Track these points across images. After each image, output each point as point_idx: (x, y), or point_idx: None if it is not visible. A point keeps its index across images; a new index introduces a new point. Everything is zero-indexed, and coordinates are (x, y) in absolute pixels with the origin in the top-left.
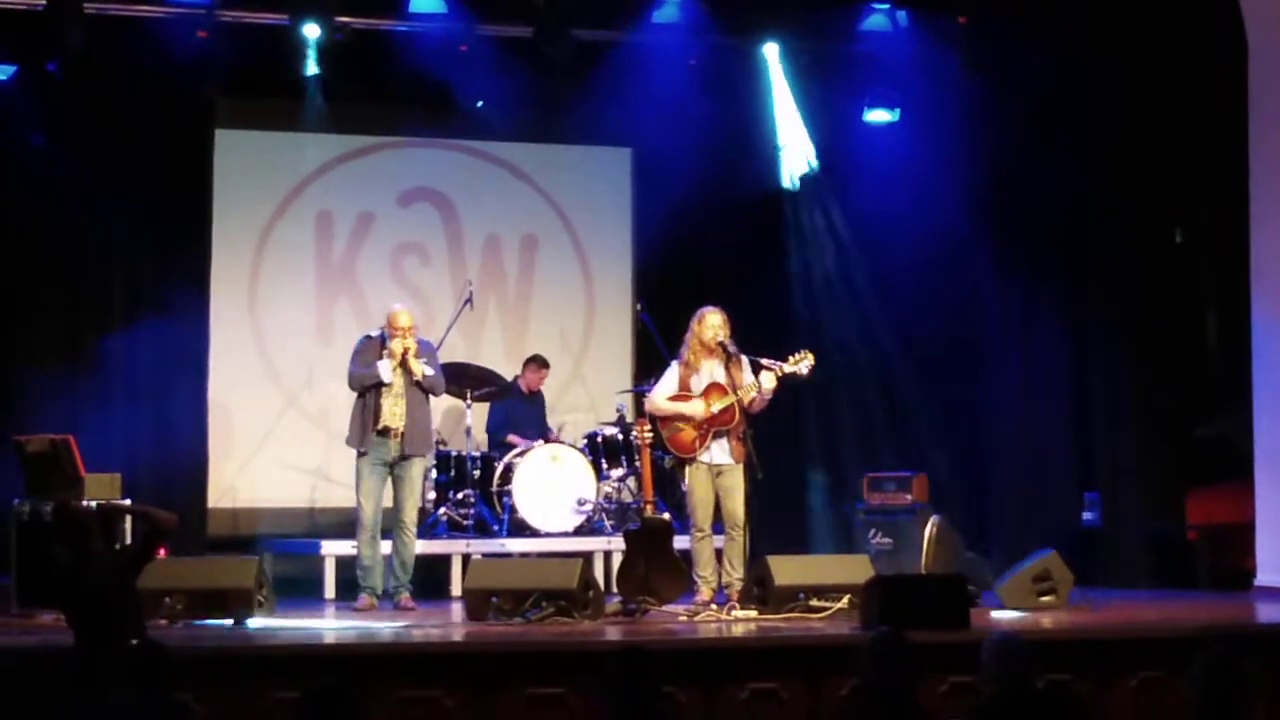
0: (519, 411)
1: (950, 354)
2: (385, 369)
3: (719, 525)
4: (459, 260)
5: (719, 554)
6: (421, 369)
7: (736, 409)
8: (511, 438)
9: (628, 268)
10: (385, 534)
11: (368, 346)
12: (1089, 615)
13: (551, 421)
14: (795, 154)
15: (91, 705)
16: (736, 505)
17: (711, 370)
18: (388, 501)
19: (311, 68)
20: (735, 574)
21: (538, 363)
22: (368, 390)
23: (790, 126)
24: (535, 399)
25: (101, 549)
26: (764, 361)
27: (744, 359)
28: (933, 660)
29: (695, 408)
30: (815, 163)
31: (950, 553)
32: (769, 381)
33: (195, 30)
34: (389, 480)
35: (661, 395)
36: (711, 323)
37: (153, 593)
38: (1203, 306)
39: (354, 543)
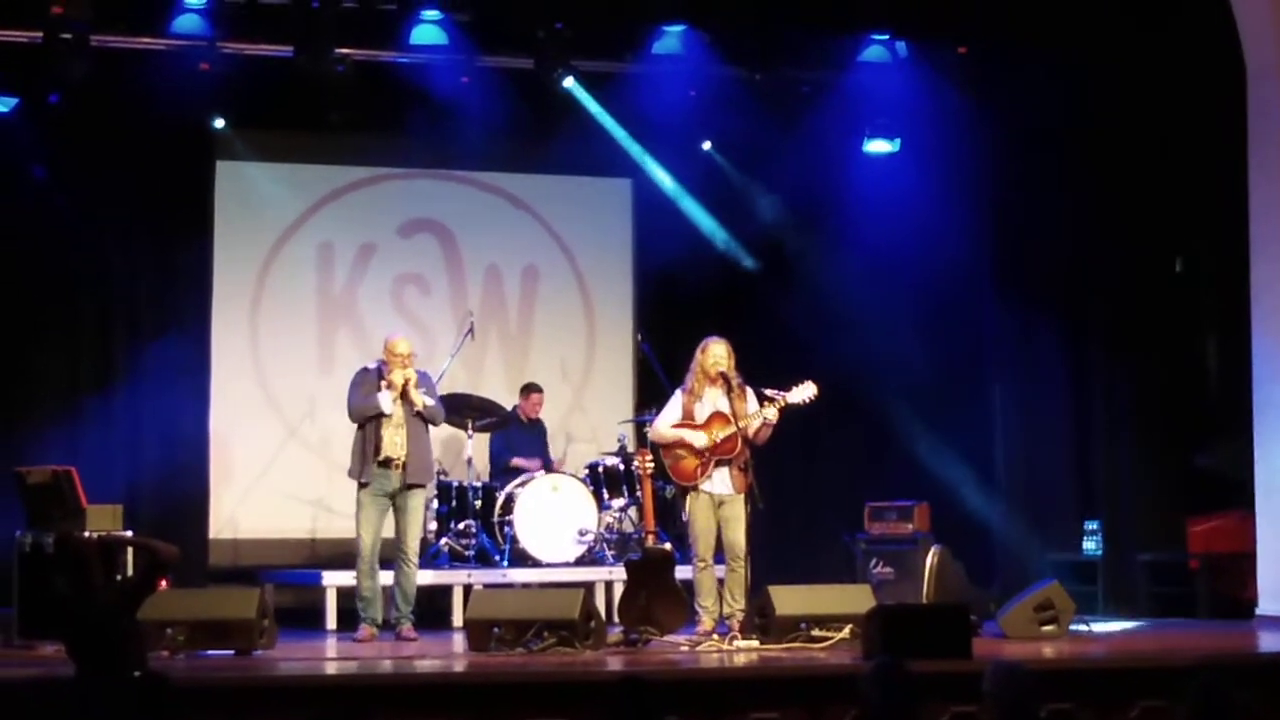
0: (519, 440)
1: (951, 383)
2: (385, 400)
3: (720, 555)
4: (460, 291)
5: (721, 584)
6: (422, 399)
7: (739, 439)
8: (516, 461)
9: (629, 298)
10: (386, 564)
11: (365, 379)
12: (1090, 645)
13: (554, 451)
14: None
15: None
16: (738, 535)
17: (715, 400)
18: (387, 532)
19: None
20: (737, 604)
21: (530, 389)
22: (368, 421)
23: None
24: (535, 427)
25: (103, 581)
26: (767, 392)
27: (748, 390)
28: (935, 690)
29: (699, 436)
30: None
31: (952, 582)
32: (772, 413)
33: (197, 62)
34: (390, 511)
35: (665, 423)
36: (715, 353)
37: (154, 624)
38: (1203, 334)
39: (355, 573)
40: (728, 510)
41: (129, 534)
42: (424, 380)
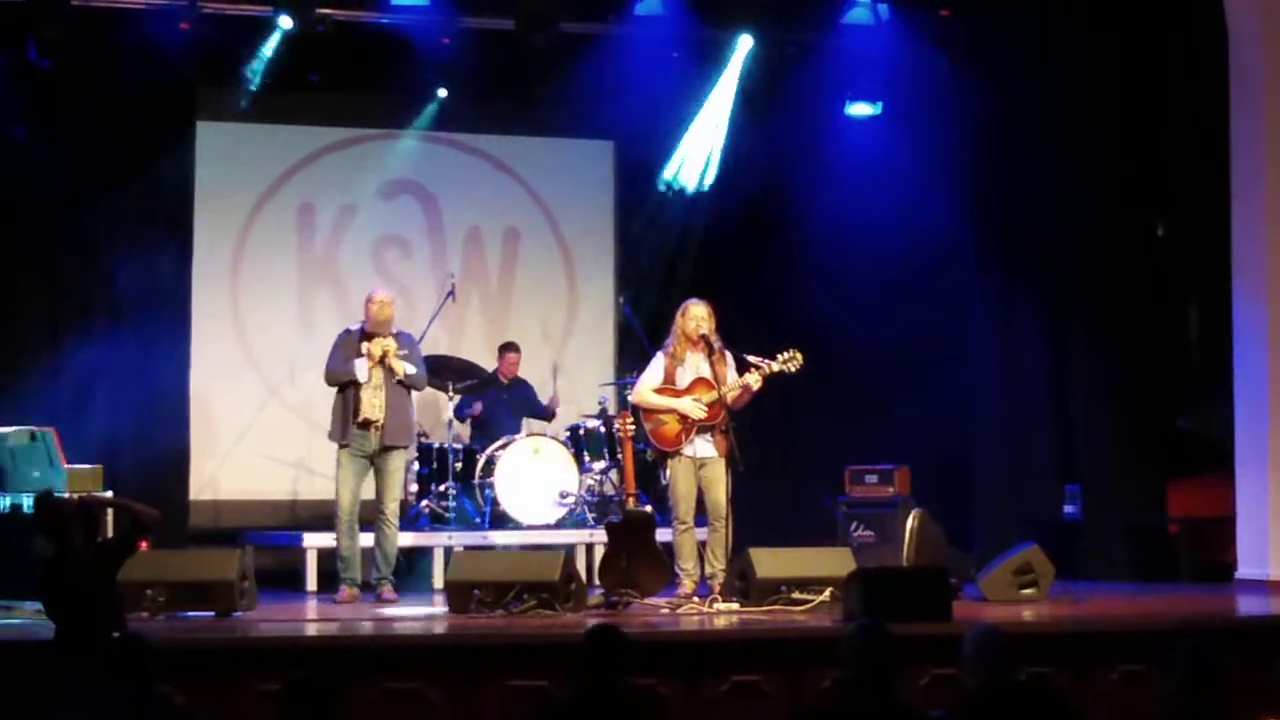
0: (498, 402)
1: (932, 347)
2: (361, 368)
3: (701, 518)
4: (440, 253)
5: (701, 546)
6: (403, 369)
7: (721, 406)
8: (466, 410)
9: (610, 260)
10: (366, 526)
11: (346, 341)
12: (1070, 608)
13: (544, 397)
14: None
15: (73, 698)
16: (720, 496)
17: (696, 365)
18: (367, 494)
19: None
20: (718, 564)
21: (505, 349)
22: (347, 383)
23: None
24: (515, 386)
25: (82, 541)
26: (751, 360)
27: (728, 354)
28: (914, 653)
29: (686, 406)
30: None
31: (932, 545)
32: (755, 381)
33: (177, 22)
34: (369, 472)
35: (647, 387)
36: (695, 314)
37: (135, 585)
38: (1184, 299)
39: (334, 534)
40: (708, 472)
41: (109, 495)
42: (408, 342)
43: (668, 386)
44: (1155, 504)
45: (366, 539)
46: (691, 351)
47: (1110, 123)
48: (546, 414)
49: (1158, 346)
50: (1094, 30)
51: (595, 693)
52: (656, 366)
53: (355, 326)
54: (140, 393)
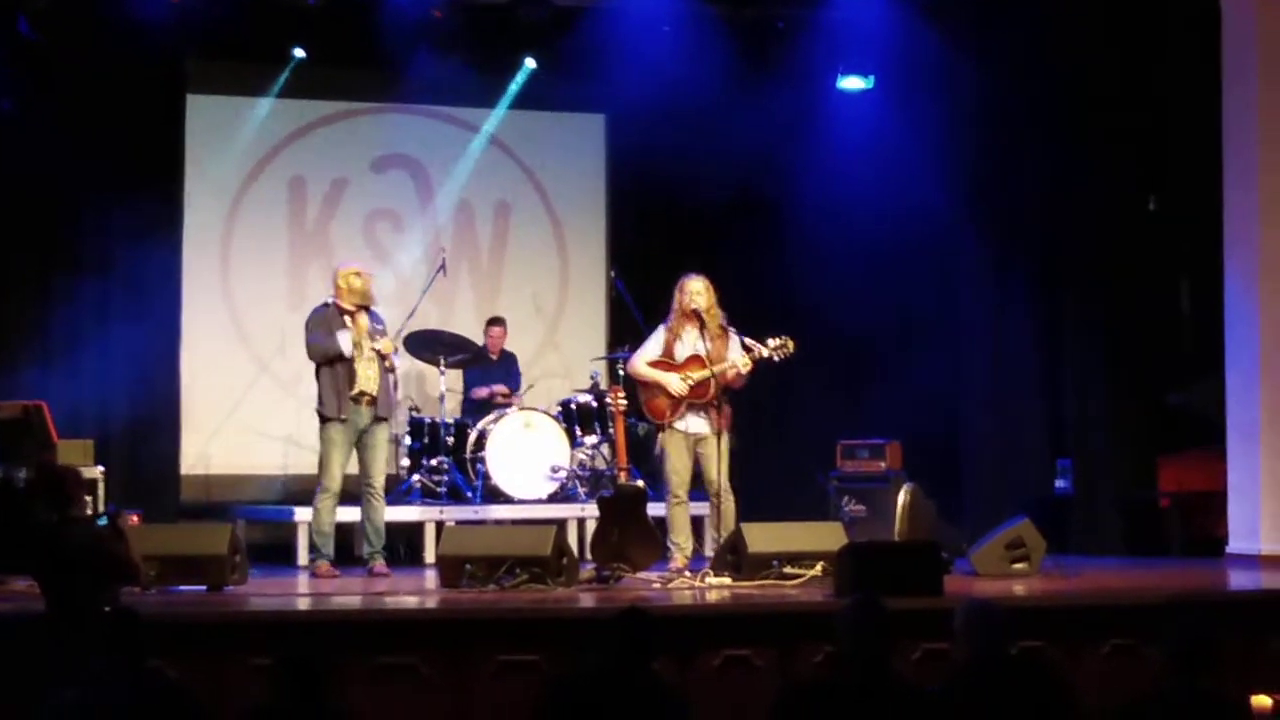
0: (491, 376)
1: (924, 321)
2: (345, 341)
3: (696, 493)
4: (432, 227)
5: (695, 521)
6: (393, 362)
7: (711, 384)
8: (475, 392)
9: (602, 234)
10: (352, 501)
11: (327, 315)
12: (1062, 582)
13: (526, 387)
14: None
15: (65, 672)
16: (713, 473)
17: (694, 341)
18: (351, 468)
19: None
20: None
21: (491, 323)
22: (334, 357)
23: None
24: (504, 360)
25: (82, 510)
26: (745, 341)
27: (731, 332)
28: (906, 627)
29: (673, 381)
30: None
31: (924, 520)
32: (746, 365)
33: None
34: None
35: (641, 359)
36: (690, 289)
37: None
38: (1176, 274)
39: (319, 509)
40: (704, 448)
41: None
42: (376, 319)
43: (665, 360)
44: (1146, 479)
45: (346, 513)
46: (690, 327)
47: (1103, 97)
48: (514, 388)
49: (1149, 321)
50: (1088, 4)
51: (619, 676)
52: (656, 339)
53: (332, 300)
54: (131, 367)
